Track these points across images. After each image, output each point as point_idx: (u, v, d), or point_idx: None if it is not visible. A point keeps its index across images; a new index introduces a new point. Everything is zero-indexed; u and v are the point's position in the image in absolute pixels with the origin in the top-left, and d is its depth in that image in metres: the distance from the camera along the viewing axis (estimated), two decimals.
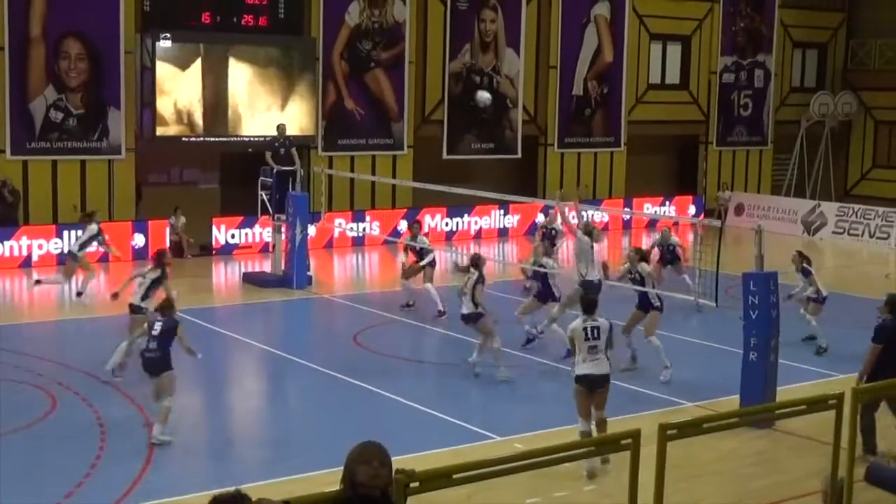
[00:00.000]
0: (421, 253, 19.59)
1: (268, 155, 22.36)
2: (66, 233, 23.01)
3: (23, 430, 12.58)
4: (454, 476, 5.24)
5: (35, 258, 23.15)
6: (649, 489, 6.21)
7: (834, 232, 31.32)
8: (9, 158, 23.76)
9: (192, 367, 15.90)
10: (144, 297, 14.85)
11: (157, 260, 15.35)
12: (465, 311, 15.22)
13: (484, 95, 24.03)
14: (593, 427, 11.35)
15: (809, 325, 17.44)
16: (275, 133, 22.85)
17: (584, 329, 11.60)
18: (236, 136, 25.75)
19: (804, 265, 17.80)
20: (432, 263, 19.57)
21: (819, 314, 17.58)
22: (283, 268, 21.75)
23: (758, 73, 35.49)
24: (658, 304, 15.72)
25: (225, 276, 24.13)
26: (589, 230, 16.82)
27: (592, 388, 11.45)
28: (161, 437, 12.08)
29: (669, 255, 20.74)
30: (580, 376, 11.51)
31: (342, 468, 5.26)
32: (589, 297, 12.56)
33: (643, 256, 16.10)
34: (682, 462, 10.79)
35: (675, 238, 21.36)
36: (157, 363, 12.38)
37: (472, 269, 15.33)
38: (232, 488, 4.98)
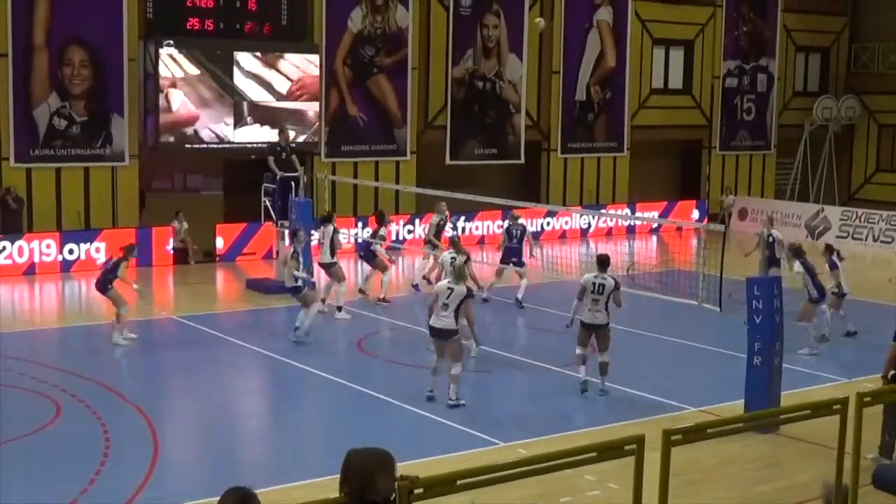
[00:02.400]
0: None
1: (270, 160, 22.39)
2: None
3: (27, 437, 12.58)
4: (458, 482, 5.22)
5: (39, 265, 23.20)
6: (653, 494, 6.20)
7: (837, 236, 31.28)
8: (12, 166, 23.80)
9: (196, 374, 15.94)
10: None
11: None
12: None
13: (542, 22, 24.40)
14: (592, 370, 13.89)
15: (823, 316, 17.62)
16: (277, 139, 22.86)
17: (593, 283, 14.15)
18: (239, 142, 25.78)
19: (832, 258, 18.01)
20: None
21: (838, 309, 17.81)
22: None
23: (761, 77, 35.49)
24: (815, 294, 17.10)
25: (227, 282, 24.14)
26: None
27: (591, 332, 14.33)
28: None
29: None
30: (583, 322, 14.39)
31: (344, 473, 5.19)
32: (602, 255, 14.74)
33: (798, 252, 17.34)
34: (686, 467, 10.78)
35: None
36: None
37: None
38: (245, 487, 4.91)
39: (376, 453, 5.17)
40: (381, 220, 21.54)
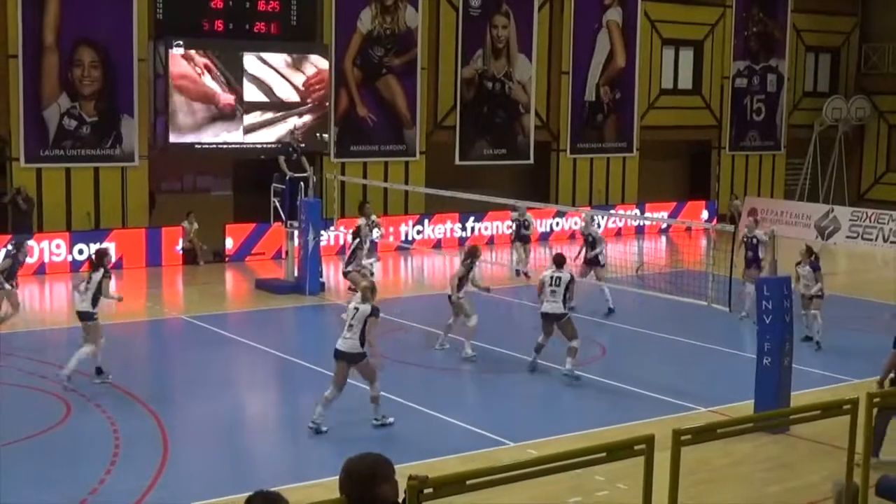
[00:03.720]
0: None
1: (281, 160, 22.42)
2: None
3: (37, 436, 12.61)
4: (468, 482, 5.22)
5: (49, 265, 23.26)
6: (663, 494, 6.19)
7: (847, 236, 31.24)
8: (23, 166, 23.86)
9: (206, 373, 15.97)
10: (95, 302, 14.80)
11: (98, 261, 15.21)
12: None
13: None
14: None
15: (816, 321, 17.45)
16: (287, 140, 22.88)
17: (551, 277, 15.55)
18: (248, 143, 25.81)
19: (812, 260, 17.79)
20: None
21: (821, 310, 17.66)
22: (295, 274, 21.78)
23: (770, 77, 35.43)
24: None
25: (237, 282, 24.17)
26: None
27: (552, 321, 15.52)
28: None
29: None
30: (542, 313, 15.65)
31: (343, 482, 5.11)
32: (557, 255, 16.11)
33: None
34: (696, 467, 10.77)
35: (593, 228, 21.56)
36: None
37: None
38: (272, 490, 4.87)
39: (375, 460, 5.08)
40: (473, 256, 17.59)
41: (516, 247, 24.30)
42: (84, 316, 14.86)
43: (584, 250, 20.63)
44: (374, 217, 21.68)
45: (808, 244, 18.57)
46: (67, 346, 15.64)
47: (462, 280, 16.73)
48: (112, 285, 15.33)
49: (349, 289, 19.13)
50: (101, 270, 14.93)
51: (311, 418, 12.84)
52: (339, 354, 12.92)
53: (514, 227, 24.41)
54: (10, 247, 18.51)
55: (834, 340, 17.76)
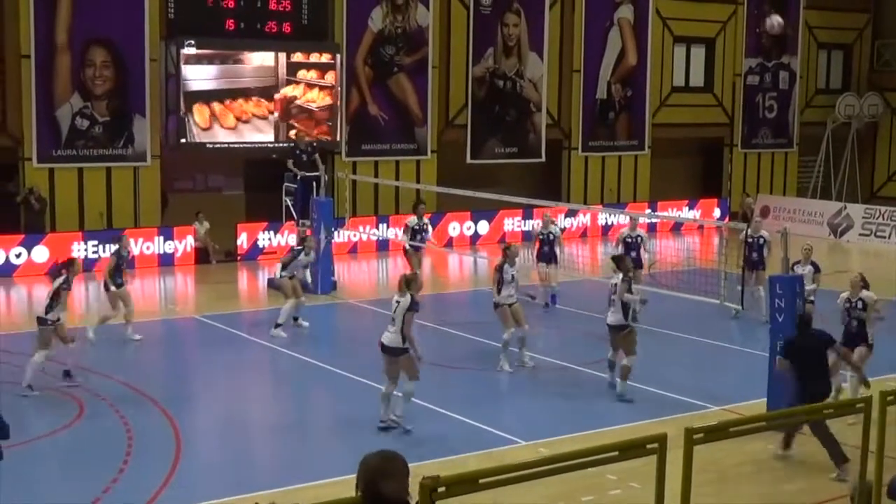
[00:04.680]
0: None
1: (290, 162, 22.49)
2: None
3: (51, 435, 12.65)
4: (480, 481, 5.22)
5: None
6: (676, 493, 6.18)
7: (860, 234, 31.14)
8: (35, 166, 23.92)
9: (218, 372, 16.00)
10: (49, 308, 14.46)
11: (59, 270, 14.99)
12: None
13: (776, 19, 22.98)
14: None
15: None
16: (299, 138, 22.89)
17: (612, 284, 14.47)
18: (260, 142, 25.84)
19: (814, 259, 17.45)
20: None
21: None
22: (307, 273, 21.77)
23: (783, 74, 35.33)
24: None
25: (249, 281, 24.21)
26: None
27: (614, 333, 14.53)
28: None
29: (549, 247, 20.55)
30: (607, 324, 14.60)
31: (357, 477, 5.14)
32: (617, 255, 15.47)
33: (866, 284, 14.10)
34: (708, 466, 10.75)
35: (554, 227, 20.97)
36: None
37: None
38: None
39: (384, 457, 5.08)
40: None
41: (539, 268, 20.99)
42: (38, 321, 14.66)
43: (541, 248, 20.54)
44: (425, 219, 21.95)
45: (809, 244, 18.13)
46: (80, 347, 15.66)
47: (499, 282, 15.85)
48: (65, 299, 14.76)
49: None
50: (62, 278, 14.65)
51: (379, 419, 12.87)
52: (382, 348, 12.90)
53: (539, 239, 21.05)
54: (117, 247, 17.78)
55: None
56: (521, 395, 14.95)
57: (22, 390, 14.09)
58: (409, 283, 13.11)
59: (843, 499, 8.52)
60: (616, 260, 15.50)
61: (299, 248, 18.97)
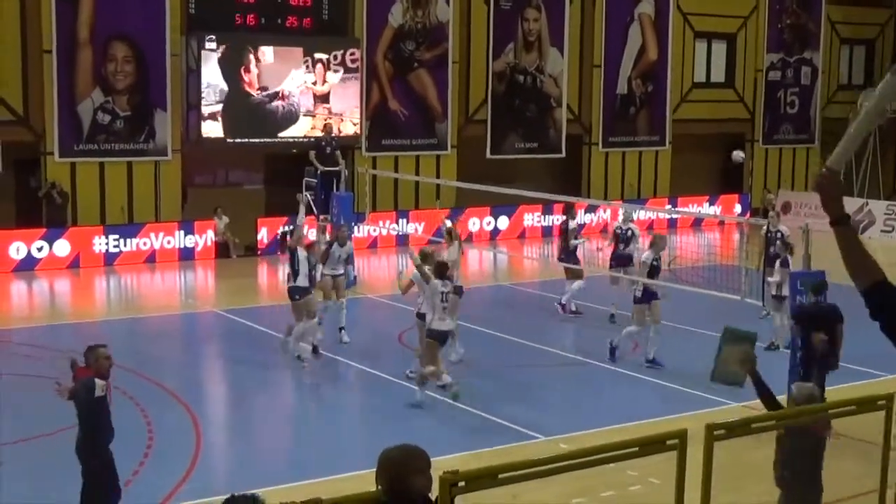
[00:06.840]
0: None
1: (312, 155, 22.47)
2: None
3: (71, 429, 12.69)
4: (500, 476, 5.21)
5: (82, 258, 23.42)
6: (696, 489, 6.16)
7: (882, 230, 30.98)
8: (57, 160, 24.03)
9: (239, 367, 16.04)
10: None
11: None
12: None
13: (739, 155, 22.74)
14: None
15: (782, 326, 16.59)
16: (320, 133, 22.91)
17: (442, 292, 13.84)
18: (281, 137, 25.88)
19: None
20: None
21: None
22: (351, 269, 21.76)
23: (804, 70, 35.18)
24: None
25: (269, 276, 24.24)
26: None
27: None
28: None
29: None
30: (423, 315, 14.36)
31: (378, 472, 5.12)
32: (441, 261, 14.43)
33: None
34: (729, 462, 10.71)
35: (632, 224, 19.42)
36: None
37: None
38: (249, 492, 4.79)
39: (409, 452, 5.06)
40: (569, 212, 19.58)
41: (613, 275, 19.04)
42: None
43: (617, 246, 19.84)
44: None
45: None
46: (102, 340, 15.71)
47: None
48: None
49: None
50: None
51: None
52: (439, 335, 13.82)
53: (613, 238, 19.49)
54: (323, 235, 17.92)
55: (869, 335, 17.55)
56: (541, 390, 14.93)
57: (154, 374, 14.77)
58: (426, 257, 14.43)
59: (866, 496, 8.47)
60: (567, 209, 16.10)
61: (330, 242, 17.99)
